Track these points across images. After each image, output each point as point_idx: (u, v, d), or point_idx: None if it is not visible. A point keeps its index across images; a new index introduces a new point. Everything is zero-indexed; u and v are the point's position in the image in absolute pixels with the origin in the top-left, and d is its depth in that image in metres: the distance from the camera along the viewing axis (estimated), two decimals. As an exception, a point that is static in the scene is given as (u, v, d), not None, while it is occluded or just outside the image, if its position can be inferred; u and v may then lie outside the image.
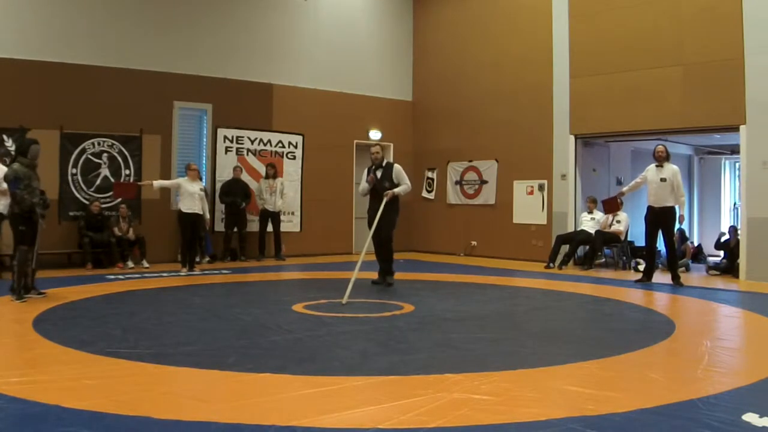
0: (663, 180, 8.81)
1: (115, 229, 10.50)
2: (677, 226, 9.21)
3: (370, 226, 8.56)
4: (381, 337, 5.39)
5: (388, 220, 8.42)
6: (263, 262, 11.79)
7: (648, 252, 9.33)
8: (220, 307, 6.86)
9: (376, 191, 8.51)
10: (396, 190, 8.42)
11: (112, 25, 10.89)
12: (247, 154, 12.41)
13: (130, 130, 11.10)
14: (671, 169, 8.90)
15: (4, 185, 7.46)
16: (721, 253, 10.91)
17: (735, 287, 8.98)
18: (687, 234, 12.55)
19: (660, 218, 8.85)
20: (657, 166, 8.96)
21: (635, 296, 8.03)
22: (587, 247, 11.39)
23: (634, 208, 12.53)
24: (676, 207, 8.91)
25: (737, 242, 10.10)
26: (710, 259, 11.84)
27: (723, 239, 11.04)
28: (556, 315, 6.88)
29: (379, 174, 8.57)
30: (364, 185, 8.78)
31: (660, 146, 9.12)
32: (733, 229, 10.70)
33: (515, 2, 12.78)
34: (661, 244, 9.20)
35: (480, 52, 13.29)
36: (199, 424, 3.18)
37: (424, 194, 14.42)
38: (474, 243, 13.41)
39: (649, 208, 9.00)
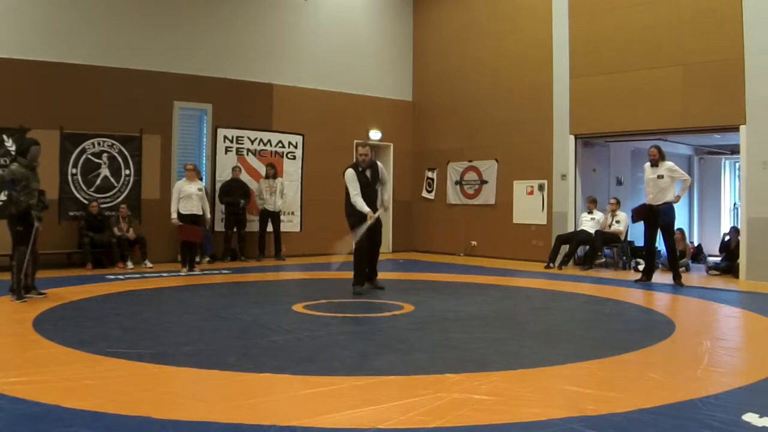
0: (660, 177, 8.85)
1: (115, 229, 10.50)
2: (676, 221, 9.28)
3: (355, 228, 7.82)
4: (381, 337, 5.39)
5: (381, 225, 8.19)
6: (263, 262, 11.79)
7: (647, 252, 9.34)
8: (220, 307, 6.86)
9: (366, 194, 7.84)
10: (388, 200, 8.22)
11: (112, 25, 10.89)
12: (247, 154, 12.41)
13: (130, 130, 11.10)
14: (666, 165, 8.94)
15: None
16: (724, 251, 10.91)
17: (735, 287, 8.97)
18: (687, 234, 12.54)
19: (658, 214, 8.87)
20: (652, 165, 9.01)
21: (635, 296, 8.03)
22: (587, 247, 11.39)
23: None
24: (677, 189, 8.93)
25: (738, 243, 10.11)
26: (710, 259, 11.84)
27: (727, 238, 11.04)
28: (556, 315, 6.88)
29: (368, 174, 7.97)
30: (364, 207, 7.73)
31: (653, 148, 9.13)
32: (734, 230, 10.72)
33: (515, 2, 12.78)
34: (660, 244, 9.24)
35: (480, 52, 13.29)
36: (199, 424, 3.18)
37: (424, 194, 14.42)
38: (474, 243, 13.41)
39: (648, 206, 9.01)
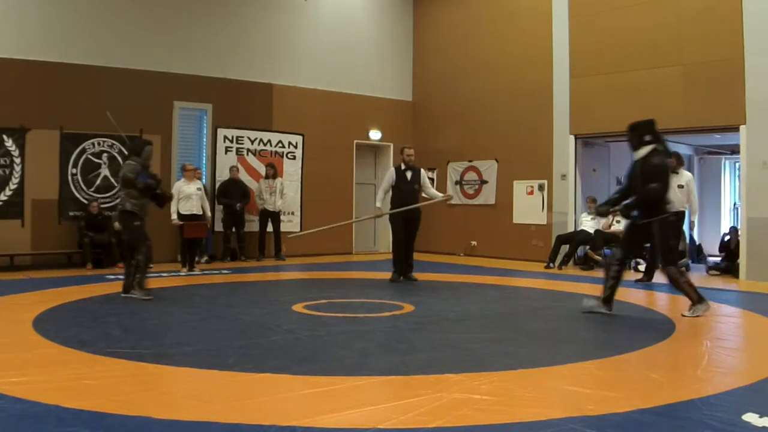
0: (680, 187, 8.92)
1: (116, 224, 10.47)
2: (686, 232, 9.38)
3: (399, 226, 8.96)
4: (381, 337, 5.40)
5: (418, 222, 9.08)
6: (263, 262, 11.79)
7: (652, 251, 9.31)
8: (220, 307, 6.86)
9: (405, 192, 8.89)
10: (443, 195, 9.49)
11: (112, 25, 10.90)
12: (247, 154, 12.41)
13: (130, 130, 11.04)
14: (687, 176, 9.10)
15: None
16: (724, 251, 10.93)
17: (735, 287, 8.98)
18: (687, 234, 12.53)
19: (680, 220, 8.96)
20: (672, 172, 9.02)
21: (635, 296, 8.03)
22: (587, 247, 11.39)
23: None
24: (687, 212, 9.02)
25: (737, 243, 10.12)
26: (710, 259, 11.84)
27: (726, 238, 11.05)
28: (556, 315, 6.87)
29: (409, 175, 8.92)
30: (378, 202, 9.12)
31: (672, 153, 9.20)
32: (733, 230, 10.74)
33: (515, 2, 12.78)
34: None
35: (480, 52, 13.29)
36: (199, 424, 3.18)
37: (424, 194, 14.38)
38: (474, 243, 13.40)
39: None
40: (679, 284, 6.33)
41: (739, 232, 10.14)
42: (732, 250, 10.35)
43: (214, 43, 11.94)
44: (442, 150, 14.01)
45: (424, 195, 9.16)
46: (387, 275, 9.20)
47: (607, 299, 6.43)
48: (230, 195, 11.68)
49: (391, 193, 9.04)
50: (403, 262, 9.02)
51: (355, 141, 13.80)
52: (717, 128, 10.46)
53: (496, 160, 13.01)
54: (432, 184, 14.15)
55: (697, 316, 6.23)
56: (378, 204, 9.09)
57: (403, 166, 8.97)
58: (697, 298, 6.33)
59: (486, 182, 13.19)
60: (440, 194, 9.42)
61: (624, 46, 10.99)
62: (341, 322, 5.96)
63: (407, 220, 8.90)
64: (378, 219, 10.37)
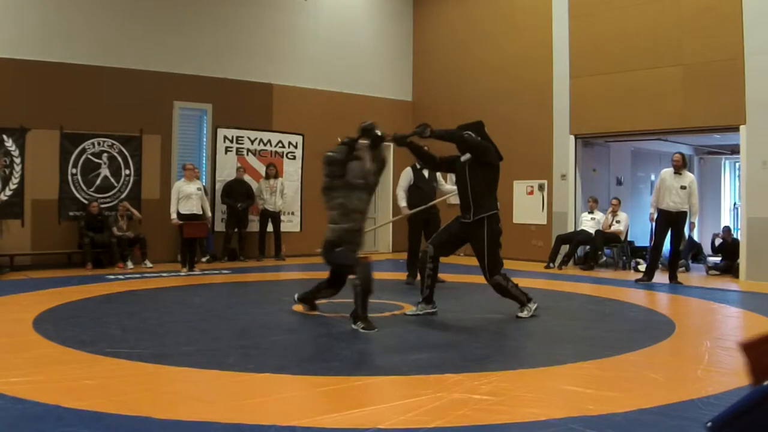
0: (683, 188, 8.93)
1: (114, 229, 10.48)
2: (687, 232, 9.38)
3: (418, 227, 8.78)
4: (381, 337, 5.39)
5: (439, 223, 8.71)
6: (263, 262, 11.79)
7: (654, 249, 9.30)
8: (220, 307, 6.86)
9: (425, 191, 8.73)
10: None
11: (112, 25, 10.89)
12: (247, 154, 12.40)
13: (130, 130, 11.09)
14: (690, 177, 9.12)
15: None
16: (719, 253, 10.96)
17: (735, 287, 8.98)
18: (686, 234, 12.56)
19: (675, 220, 8.99)
20: (675, 173, 9.04)
21: (635, 296, 8.03)
22: (587, 247, 11.39)
23: (634, 208, 12.53)
24: (688, 213, 9.05)
25: (732, 242, 10.17)
26: (710, 259, 11.84)
27: (717, 241, 11.07)
28: (556, 315, 6.87)
29: (426, 173, 8.75)
30: (401, 202, 8.80)
31: (677, 154, 9.24)
32: (726, 230, 10.80)
33: (515, 2, 12.77)
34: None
35: (480, 52, 13.28)
36: (199, 424, 3.18)
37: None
38: (474, 243, 13.38)
39: (664, 212, 9.01)
40: (421, 273, 6.38)
41: (739, 233, 10.15)
42: (728, 249, 10.38)
43: (214, 43, 11.94)
44: (442, 150, 13.94)
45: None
46: (387, 275, 9.21)
47: (428, 298, 6.39)
48: (234, 195, 11.69)
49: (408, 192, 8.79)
50: (415, 265, 8.66)
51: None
52: (717, 128, 10.46)
53: (496, 160, 12.98)
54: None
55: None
56: (402, 203, 8.76)
57: (418, 165, 8.68)
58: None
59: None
60: (452, 187, 9.10)
61: (624, 46, 10.98)
62: (341, 322, 5.96)
63: (428, 222, 8.63)
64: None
